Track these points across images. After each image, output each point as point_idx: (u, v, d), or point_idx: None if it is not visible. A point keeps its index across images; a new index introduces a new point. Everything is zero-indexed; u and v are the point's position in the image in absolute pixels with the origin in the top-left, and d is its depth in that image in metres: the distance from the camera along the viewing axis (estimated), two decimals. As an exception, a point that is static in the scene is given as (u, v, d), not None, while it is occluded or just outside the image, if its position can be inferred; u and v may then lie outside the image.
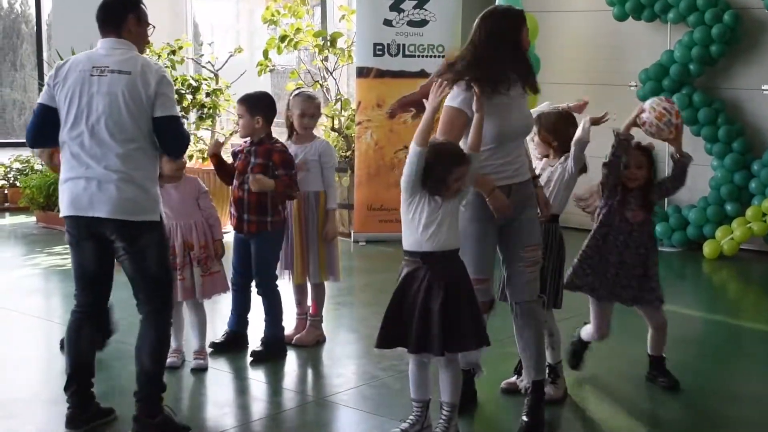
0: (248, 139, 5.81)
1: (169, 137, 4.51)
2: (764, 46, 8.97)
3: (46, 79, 4.57)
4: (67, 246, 4.64)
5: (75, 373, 4.61)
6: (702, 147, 9.17)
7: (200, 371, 5.55)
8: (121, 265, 4.52)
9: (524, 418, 4.69)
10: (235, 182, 5.78)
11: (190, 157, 9.45)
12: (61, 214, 4.53)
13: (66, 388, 4.62)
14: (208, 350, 5.77)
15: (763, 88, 9.00)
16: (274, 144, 5.76)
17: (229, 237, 5.92)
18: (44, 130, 4.52)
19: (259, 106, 5.76)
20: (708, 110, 9.00)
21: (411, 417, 4.47)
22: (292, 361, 5.83)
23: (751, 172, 8.91)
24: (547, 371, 5.00)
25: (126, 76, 4.35)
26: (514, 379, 5.21)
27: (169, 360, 5.45)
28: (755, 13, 8.90)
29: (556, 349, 5.15)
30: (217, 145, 5.98)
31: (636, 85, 9.41)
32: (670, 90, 9.11)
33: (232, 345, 5.95)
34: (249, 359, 5.76)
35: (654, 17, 9.26)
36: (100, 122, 4.35)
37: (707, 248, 8.92)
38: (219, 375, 5.58)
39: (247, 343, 5.97)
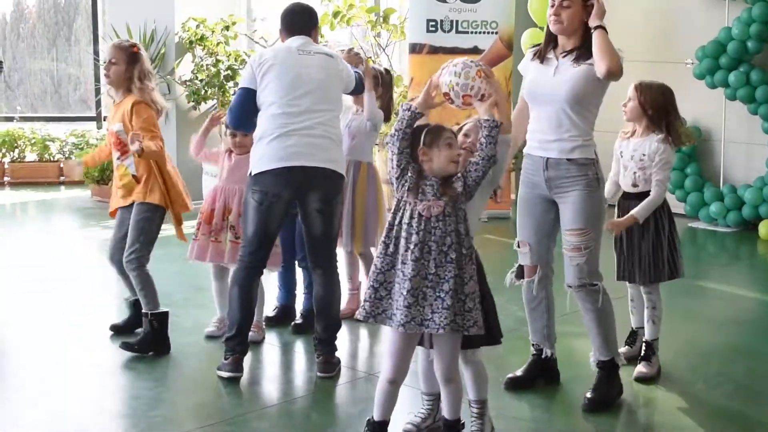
0: None
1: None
2: (825, 23, 8.82)
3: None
4: None
5: (246, 324, 4.99)
6: (759, 126, 9.06)
7: (254, 344, 5.57)
8: (306, 224, 4.99)
9: (588, 394, 4.69)
10: None
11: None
12: (277, 165, 4.82)
13: (231, 339, 4.96)
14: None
15: (823, 65, 8.88)
16: None
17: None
18: (249, 113, 4.97)
19: None
20: (766, 88, 8.87)
21: (422, 410, 4.37)
22: (343, 335, 5.85)
23: (810, 151, 8.80)
24: (643, 347, 5.14)
25: (330, 59, 5.08)
26: (624, 349, 5.25)
27: (210, 329, 5.69)
28: (816, -11, 8.75)
29: (656, 323, 5.17)
30: None
31: (692, 62, 9.31)
32: (727, 67, 8.99)
33: (284, 319, 6.00)
34: (291, 331, 5.84)
35: (712, -7, 9.17)
36: (317, 91, 4.93)
37: (763, 229, 8.83)
38: (270, 348, 5.62)
39: (296, 316, 6.03)
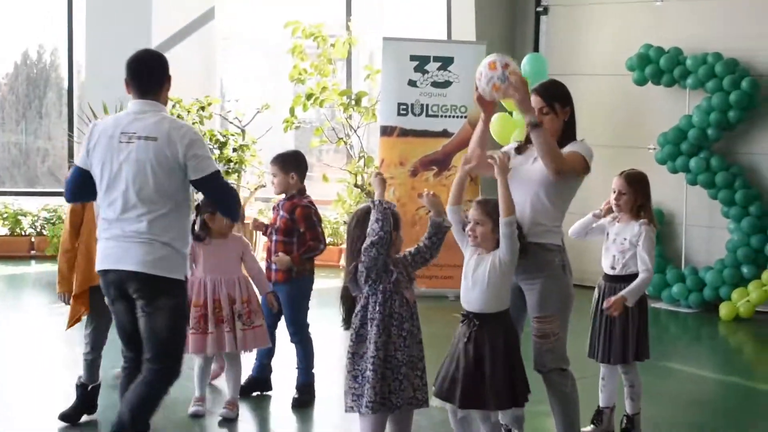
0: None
1: (216, 195, 4.68)
2: (781, 112, 9.16)
3: (76, 134, 4.72)
4: None
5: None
6: (719, 210, 9.32)
7: (228, 421, 5.66)
8: (138, 323, 4.59)
9: None
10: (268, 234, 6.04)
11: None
12: (96, 268, 4.66)
13: None
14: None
15: (779, 153, 9.18)
16: (301, 199, 5.99)
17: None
18: (82, 188, 4.68)
19: (292, 163, 6.02)
20: (725, 174, 9.15)
21: None
22: (322, 411, 5.97)
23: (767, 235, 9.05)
24: (624, 421, 5.39)
25: (153, 143, 4.45)
26: (589, 428, 5.42)
27: (193, 408, 5.71)
28: (773, 80, 9.10)
29: (636, 400, 5.40)
30: (258, 225, 6.15)
31: (655, 148, 9.58)
32: (688, 153, 9.27)
33: (255, 389, 6.13)
34: (291, 406, 5.97)
35: (673, 83, 9.46)
36: (130, 190, 4.46)
37: (723, 310, 9.02)
38: (244, 425, 5.70)
39: (271, 388, 6.16)
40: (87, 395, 5.54)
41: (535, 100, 4.82)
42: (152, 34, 9.76)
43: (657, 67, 9.46)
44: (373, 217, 4.27)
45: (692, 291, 9.41)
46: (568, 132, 4.83)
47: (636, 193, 5.34)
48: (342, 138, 10.42)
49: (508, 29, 10.85)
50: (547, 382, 4.80)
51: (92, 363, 5.53)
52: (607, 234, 5.43)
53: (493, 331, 4.50)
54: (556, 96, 4.81)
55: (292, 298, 5.99)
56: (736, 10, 9.36)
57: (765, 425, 6.18)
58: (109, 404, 5.43)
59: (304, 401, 6.00)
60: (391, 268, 4.33)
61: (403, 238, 4.51)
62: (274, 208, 6.14)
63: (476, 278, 4.52)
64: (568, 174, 4.68)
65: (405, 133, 9.58)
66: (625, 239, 5.31)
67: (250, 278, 5.80)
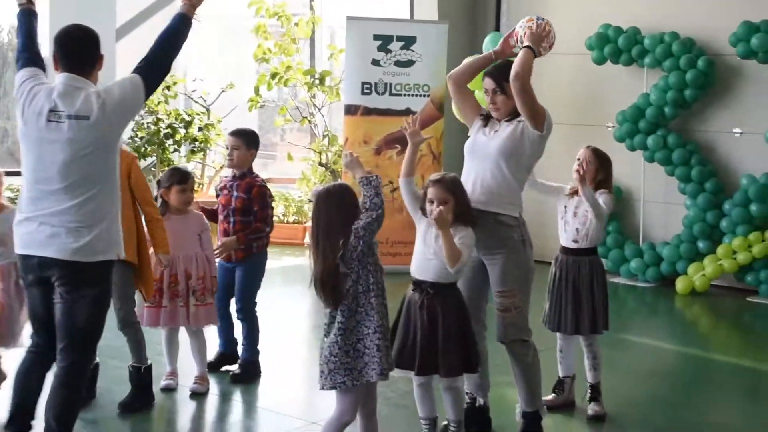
0: (230, 172, 6.15)
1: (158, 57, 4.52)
2: (736, 90, 9.34)
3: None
4: None
5: (18, 413, 4.51)
6: (676, 186, 9.51)
7: (198, 395, 5.79)
8: (54, 309, 4.37)
9: None
10: (220, 216, 6.06)
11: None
12: (16, 251, 4.44)
13: (6, 427, 4.53)
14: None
15: (734, 130, 9.35)
16: (255, 178, 6.08)
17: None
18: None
19: (254, 140, 6.12)
20: (682, 151, 9.34)
21: None
22: (287, 383, 6.10)
23: (723, 211, 9.24)
24: (589, 391, 5.58)
25: (84, 122, 4.25)
26: (551, 397, 5.62)
27: (164, 382, 5.83)
28: (728, 60, 9.27)
29: (597, 369, 5.59)
30: (204, 211, 6.13)
31: (613, 126, 9.75)
32: (645, 131, 9.44)
33: (223, 363, 6.24)
34: (230, 380, 6.06)
35: (631, 62, 9.62)
36: (56, 171, 4.25)
37: (680, 284, 9.23)
38: (215, 399, 5.84)
39: (238, 359, 6.26)
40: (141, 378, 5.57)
41: (487, 82, 4.98)
42: (116, 14, 9.76)
43: (615, 46, 9.61)
44: (371, 192, 4.33)
45: (650, 266, 9.61)
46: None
47: (600, 165, 5.49)
48: (306, 117, 10.52)
49: (470, 8, 10.96)
50: (510, 353, 4.97)
51: None
52: (565, 207, 5.57)
53: (446, 300, 4.66)
54: (506, 76, 4.88)
55: (247, 276, 6.11)
56: (692, -10, 9.54)
57: (720, 394, 6.39)
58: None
59: (246, 377, 6.08)
60: (375, 240, 4.44)
61: None
62: (222, 189, 6.11)
63: (438, 249, 4.65)
64: (527, 99, 4.77)
65: (369, 111, 9.67)
66: (586, 211, 5.43)
67: (208, 255, 5.84)
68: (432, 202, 4.65)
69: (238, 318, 6.18)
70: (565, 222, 5.57)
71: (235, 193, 5.99)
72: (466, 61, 5.25)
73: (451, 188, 4.67)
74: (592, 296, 5.48)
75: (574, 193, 5.53)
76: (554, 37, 5.10)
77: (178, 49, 4.60)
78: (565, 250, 5.58)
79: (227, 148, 6.12)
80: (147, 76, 4.44)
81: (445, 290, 4.67)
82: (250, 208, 5.97)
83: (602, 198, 5.44)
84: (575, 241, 5.53)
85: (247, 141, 6.05)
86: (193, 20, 4.62)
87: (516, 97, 4.78)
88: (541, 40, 4.98)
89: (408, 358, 4.65)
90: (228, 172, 6.30)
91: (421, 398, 4.83)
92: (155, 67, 4.49)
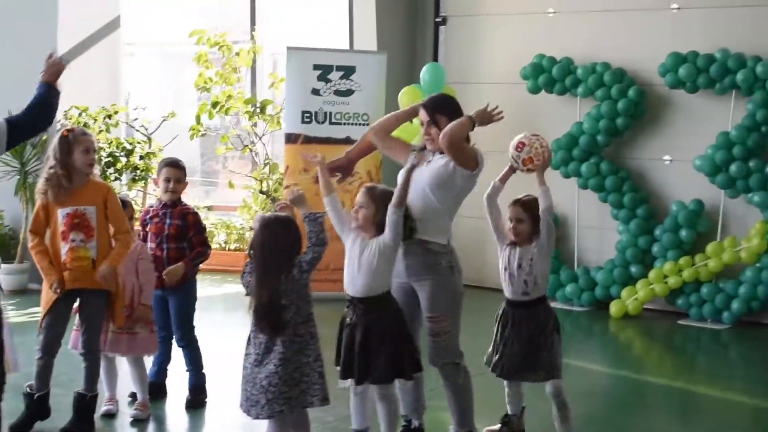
0: (155, 203, 6.28)
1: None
2: (666, 119, 9.62)
3: None
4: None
5: None
6: (609, 213, 9.74)
7: (139, 422, 5.85)
8: None
9: None
10: (151, 244, 6.11)
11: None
12: None
13: None
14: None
15: (664, 158, 9.63)
16: (186, 206, 6.21)
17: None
18: None
19: (185, 171, 6.25)
20: (614, 178, 9.58)
21: None
22: (232, 408, 6.18)
23: (654, 236, 9.49)
24: None
25: None
26: (497, 427, 5.67)
27: (105, 408, 5.89)
28: (658, 89, 9.55)
29: (565, 422, 5.42)
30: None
31: (548, 154, 9.94)
32: (579, 159, 9.67)
33: (152, 395, 6.23)
34: (184, 407, 6.15)
35: (565, 91, 9.87)
36: None
37: (613, 308, 9.45)
38: (155, 426, 5.89)
39: (166, 393, 6.33)
40: (36, 404, 5.59)
41: (422, 114, 5.17)
42: (58, 42, 9.79)
43: (550, 76, 9.85)
44: (317, 228, 4.60)
45: (584, 290, 9.81)
46: None
47: (533, 218, 5.29)
48: (247, 145, 10.61)
49: (409, 39, 11.16)
50: (443, 375, 5.14)
51: (44, 369, 5.55)
52: (509, 259, 5.36)
53: (378, 311, 4.84)
54: (437, 108, 5.12)
55: (183, 303, 6.20)
56: (623, 22, 9.79)
57: (652, 415, 6.54)
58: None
59: (197, 402, 6.19)
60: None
61: None
62: (152, 217, 6.16)
63: (362, 262, 4.84)
64: (456, 151, 4.95)
65: (309, 140, 9.77)
66: (531, 260, 5.29)
67: (141, 284, 5.90)
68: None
69: (179, 345, 6.25)
70: (510, 274, 5.35)
71: (168, 221, 6.08)
72: (389, 114, 5.40)
73: (376, 197, 4.93)
74: (551, 344, 5.35)
75: (514, 243, 5.41)
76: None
77: (47, 119, 5.09)
78: (515, 304, 5.37)
79: (167, 180, 6.13)
80: (12, 131, 4.90)
81: (377, 302, 4.85)
82: (184, 234, 6.08)
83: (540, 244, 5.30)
84: (526, 294, 5.32)
85: (185, 172, 6.21)
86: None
87: (444, 150, 4.97)
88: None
89: (350, 369, 4.84)
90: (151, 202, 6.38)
91: (356, 408, 4.99)
92: (23, 128, 4.99)
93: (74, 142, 5.40)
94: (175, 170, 6.16)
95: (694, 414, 6.67)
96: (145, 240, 6.13)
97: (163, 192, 6.15)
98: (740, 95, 9.03)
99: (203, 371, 6.29)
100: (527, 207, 5.33)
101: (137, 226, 6.28)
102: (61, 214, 5.41)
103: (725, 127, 9.05)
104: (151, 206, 6.30)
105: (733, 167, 8.90)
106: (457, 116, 5.09)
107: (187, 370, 6.28)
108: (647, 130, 9.70)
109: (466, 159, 5.00)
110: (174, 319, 6.19)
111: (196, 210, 6.27)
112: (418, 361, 4.99)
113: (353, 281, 4.89)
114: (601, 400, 6.94)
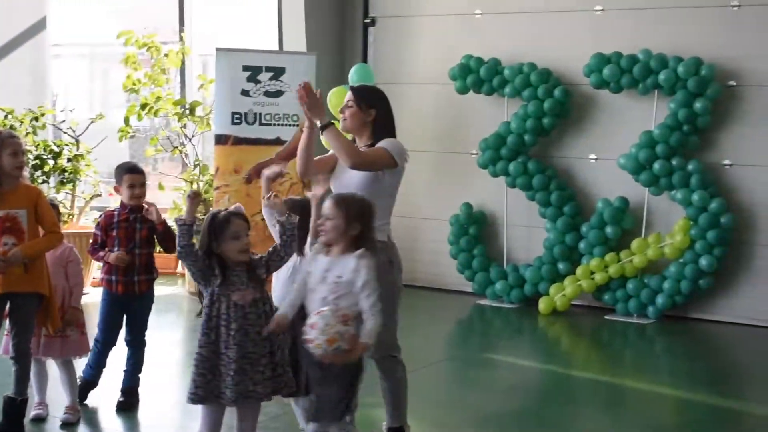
0: (117, 208, 6.23)
1: None
2: (591, 118, 9.79)
3: None
4: None
5: None
6: (536, 211, 9.89)
7: (69, 425, 5.82)
8: None
9: None
10: (119, 249, 6.06)
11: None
12: None
13: None
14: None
15: (590, 156, 9.81)
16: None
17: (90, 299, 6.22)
18: None
19: (144, 174, 6.27)
20: (541, 177, 9.72)
21: None
22: (164, 411, 6.18)
23: (581, 233, 9.66)
24: None
25: None
26: None
27: (34, 412, 5.84)
28: (583, 89, 9.72)
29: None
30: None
31: (477, 153, 10.08)
32: (507, 158, 9.80)
33: (85, 393, 6.24)
34: (116, 409, 6.13)
35: (492, 91, 9.99)
36: None
37: (542, 304, 9.58)
38: (85, 429, 5.88)
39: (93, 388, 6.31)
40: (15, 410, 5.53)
41: (347, 95, 5.27)
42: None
43: (477, 76, 9.96)
44: (291, 236, 4.79)
45: (514, 287, 9.93)
46: (378, 133, 5.19)
47: (349, 217, 4.63)
48: (177, 147, 10.57)
49: (338, 40, 11.21)
50: (380, 369, 5.21)
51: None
52: (309, 272, 4.70)
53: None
54: (363, 95, 5.24)
55: (148, 305, 6.27)
56: (549, 23, 9.95)
57: (580, 408, 6.70)
58: None
59: (129, 404, 6.18)
60: (216, 273, 4.61)
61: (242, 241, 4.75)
62: (119, 222, 6.13)
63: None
64: (369, 166, 5.04)
65: (239, 141, 9.77)
66: (339, 277, 4.56)
67: (71, 287, 5.88)
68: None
69: (133, 345, 6.25)
70: (311, 290, 4.69)
71: (138, 225, 6.10)
72: (298, 150, 5.26)
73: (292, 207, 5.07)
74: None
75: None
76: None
77: None
78: None
79: (131, 186, 6.09)
80: None
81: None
82: (153, 238, 6.15)
83: (354, 268, 4.64)
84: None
85: (145, 175, 6.23)
86: None
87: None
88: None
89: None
90: (100, 205, 6.37)
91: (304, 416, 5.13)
92: None
93: (1, 145, 5.36)
94: (138, 175, 6.17)
95: (622, 406, 6.82)
96: (105, 246, 6.11)
97: (129, 198, 6.12)
98: (662, 95, 9.23)
99: (140, 375, 6.28)
100: (340, 205, 4.73)
101: (95, 230, 6.27)
102: None
103: (648, 126, 9.25)
104: (114, 211, 6.22)
105: (656, 165, 9.10)
106: (378, 107, 5.23)
107: (125, 371, 6.27)
108: (573, 130, 9.87)
109: (380, 163, 5.09)
110: (138, 321, 6.22)
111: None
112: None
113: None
114: (530, 394, 7.07)
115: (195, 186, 10.46)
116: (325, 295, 4.55)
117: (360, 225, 4.63)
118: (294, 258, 4.98)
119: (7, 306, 5.47)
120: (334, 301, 4.52)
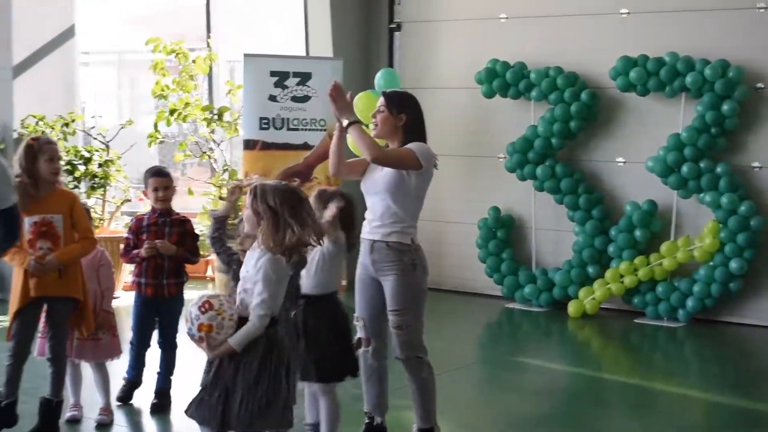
0: (147, 212, 6.32)
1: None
2: (618, 121, 9.77)
3: None
4: None
5: None
6: (565, 214, 9.88)
7: (103, 426, 5.89)
8: None
9: None
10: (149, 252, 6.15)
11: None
12: None
13: None
14: (116, 404, 6.15)
15: (617, 159, 9.79)
16: (179, 214, 6.31)
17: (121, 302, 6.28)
18: None
19: (171, 177, 6.36)
20: (569, 180, 9.72)
21: None
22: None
23: (609, 237, 9.64)
24: None
25: None
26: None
27: (69, 413, 5.91)
28: (609, 92, 9.70)
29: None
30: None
31: (504, 157, 10.09)
32: (534, 162, 9.81)
33: (130, 393, 6.36)
34: (150, 411, 6.20)
35: (519, 95, 9.99)
36: None
37: (571, 308, 9.57)
38: (118, 429, 5.93)
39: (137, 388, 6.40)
40: (3, 411, 5.55)
41: (379, 100, 5.33)
42: (13, 52, 9.78)
43: (503, 80, 9.96)
44: None
45: (543, 291, 9.92)
46: (409, 137, 5.23)
47: (262, 205, 4.27)
48: (205, 152, 10.64)
49: (364, 45, 11.25)
50: (407, 369, 5.26)
51: (13, 376, 5.53)
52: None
53: (318, 310, 5.11)
54: (394, 101, 5.29)
55: (179, 308, 6.32)
56: (574, 27, 9.94)
57: (609, 410, 6.72)
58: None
59: (162, 406, 6.25)
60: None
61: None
62: (149, 226, 6.22)
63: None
64: (390, 162, 5.11)
65: (267, 146, 9.84)
66: (247, 272, 4.31)
67: (103, 291, 5.95)
68: None
69: (164, 348, 6.34)
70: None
71: (167, 229, 6.19)
72: (330, 152, 5.33)
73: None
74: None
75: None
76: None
77: None
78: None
79: (155, 190, 6.18)
80: None
81: (317, 301, 5.14)
82: (184, 243, 6.21)
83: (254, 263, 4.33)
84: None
85: (171, 178, 6.31)
86: None
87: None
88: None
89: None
90: (131, 210, 6.44)
91: (308, 405, 5.29)
92: None
93: (39, 150, 5.45)
94: (162, 179, 6.25)
95: (651, 409, 6.79)
96: (136, 248, 6.19)
97: (155, 201, 6.23)
98: (690, 97, 9.20)
99: (171, 377, 6.34)
100: (254, 192, 4.41)
101: (126, 234, 6.37)
102: (28, 222, 5.43)
103: (676, 128, 9.22)
104: (144, 215, 6.32)
105: (684, 168, 9.08)
106: (408, 112, 5.28)
107: (158, 373, 6.34)
108: (600, 133, 9.85)
109: (404, 162, 5.13)
110: (170, 323, 6.31)
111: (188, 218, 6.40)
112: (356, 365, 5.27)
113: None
114: (559, 397, 7.08)
115: (224, 192, 10.51)
116: (239, 288, 4.36)
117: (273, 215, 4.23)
118: (321, 247, 4.91)
119: (44, 309, 5.55)
120: (241, 294, 4.31)
